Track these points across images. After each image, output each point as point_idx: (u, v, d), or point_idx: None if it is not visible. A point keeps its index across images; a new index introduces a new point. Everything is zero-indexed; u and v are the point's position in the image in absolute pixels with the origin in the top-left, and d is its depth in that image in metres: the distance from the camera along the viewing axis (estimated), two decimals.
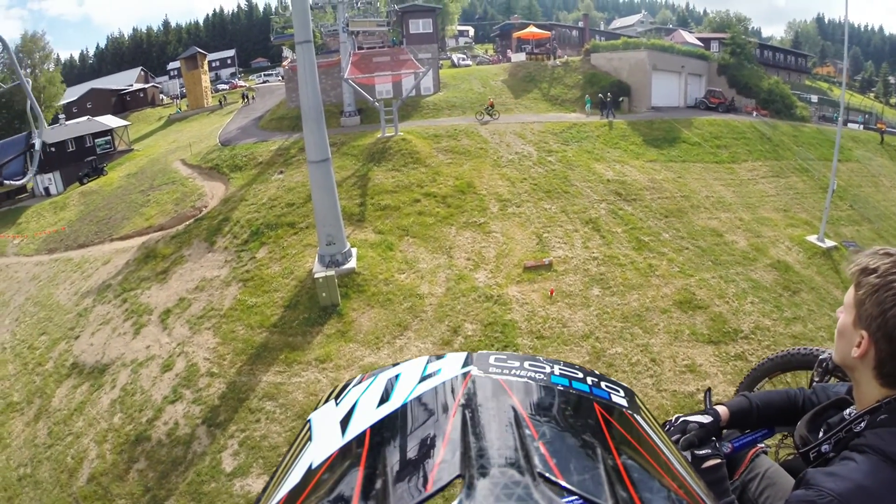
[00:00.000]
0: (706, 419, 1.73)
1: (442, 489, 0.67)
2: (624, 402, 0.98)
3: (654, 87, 37.83)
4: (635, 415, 0.96)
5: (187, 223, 26.04)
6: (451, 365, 0.99)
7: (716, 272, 20.19)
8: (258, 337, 18.09)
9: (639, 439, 0.88)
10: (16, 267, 29.73)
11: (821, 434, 1.48)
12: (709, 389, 2.16)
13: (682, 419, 1.74)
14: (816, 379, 2.17)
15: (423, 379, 0.95)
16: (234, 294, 20.22)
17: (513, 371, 0.96)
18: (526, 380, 0.94)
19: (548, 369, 1.00)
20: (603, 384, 1.01)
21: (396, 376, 0.99)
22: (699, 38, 55.05)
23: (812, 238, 23.17)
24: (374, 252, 20.43)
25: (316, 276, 17.70)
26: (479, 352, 1.03)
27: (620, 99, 36.72)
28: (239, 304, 19.58)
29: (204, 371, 17.89)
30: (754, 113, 37.07)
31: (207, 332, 19.15)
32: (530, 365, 1.00)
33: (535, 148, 28.47)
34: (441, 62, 45.04)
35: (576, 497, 0.70)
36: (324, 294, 17.64)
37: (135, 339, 20.16)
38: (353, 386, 1.03)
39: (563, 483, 0.67)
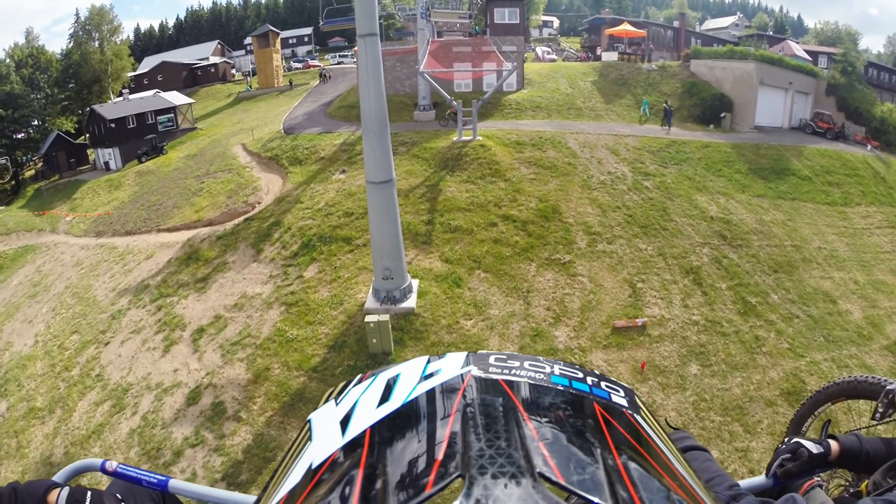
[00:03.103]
0: (817, 450, 1.65)
1: (442, 489, 0.66)
2: (624, 402, 0.94)
3: (759, 104, 33.30)
4: (635, 415, 0.93)
5: (236, 222, 23.68)
6: (452, 365, 0.96)
7: (828, 353, 17.11)
8: (294, 381, 15.38)
9: (639, 439, 0.86)
10: (63, 247, 28.46)
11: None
12: (829, 421, 2.16)
13: (796, 440, 1.69)
14: (881, 410, 2.16)
15: (423, 379, 0.93)
16: (275, 320, 17.59)
17: (513, 371, 0.94)
18: (526, 380, 0.92)
19: (548, 369, 0.97)
20: (603, 384, 0.98)
21: (396, 376, 0.96)
22: (806, 51, 48.76)
23: None
24: (438, 287, 17.31)
25: (367, 319, 14.70)
26: (479, 352, 1.01)
27: (722, 115, 32.48)
28: (278, 335, 16.92)
29: (231, 413, 15.46)
30: (868, 146, 31.86)
31: (240, 364, 16.63)
32: (530, 365, 0.97)
33: (629, 168, 24.64)
34: (525, 55, 41.14)
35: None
36: (374, 340, 14.69)
37: (163, 358, 18.07)
38: (353, 386, 1.00)
39: (563, 483, 0.66)
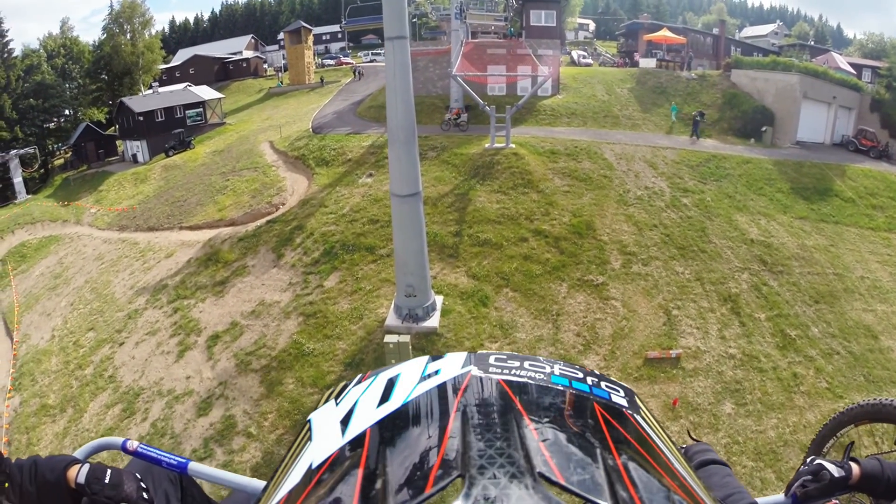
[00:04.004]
0: (839, 472, 1.62)
1: (442, 489, 0.66)
2: (624, 402, 0.95)
3: (802, 118, 31.63)
4: (635, 415, 0.93)
5: (259, 223, 23.10)
6: (452, 365, 0.96)
7: (867, 393, 15.92)
8: (308, 398, 14.69)
9: (639, 439, 0.86)
10: (86, 240, 28.33)
11: None
12: (851, 443, 2.08)
13: (818, 461, 1.67)
14: None
15: (423, 379, 0.93)
16: (292, 331, 16.91)
17: (513, 371, 0.94)
18: (526, 380, 0.91)
19: (548, 369, 0.97)
20: (603, 384, 0.98)
21: (396, 376, 0.97)
22: (850, 64, 46.63)
23: None
24: (463, 306, 16.42)
25: (387, 339, 13.88)
26: (479, 352, 1.00)
27: (763, 129, 31.00)
28: (294, 347, 16.24)
29: (241, 428, 14.89)
30: None
31: (254, 375, 16.00)
32: (530, 365, 0.97)
33: (667, 183, 23.46)
34: (560, 58, 39.96)
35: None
36: (393, 361, 13.84)
37: (177, 363, 17.64)
38: (353, 386, 1.01)
39: (563, 483, 0.66)
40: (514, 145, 24.77)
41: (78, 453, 1.59)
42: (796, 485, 1.66)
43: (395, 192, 14.20)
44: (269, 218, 23.26)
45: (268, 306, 18.15)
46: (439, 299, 16.23)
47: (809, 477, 1.64)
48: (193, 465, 1.57)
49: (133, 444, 1.59)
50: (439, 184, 22.69)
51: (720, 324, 16.98)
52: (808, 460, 1.72)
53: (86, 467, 1.41)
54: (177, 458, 1.57)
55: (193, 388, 16.48)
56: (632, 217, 20.84)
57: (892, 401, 2.30)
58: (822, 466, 1.63)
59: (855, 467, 1.65)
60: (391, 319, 15.48)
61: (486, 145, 25.00)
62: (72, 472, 1.41)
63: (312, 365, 15.49)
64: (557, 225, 19.95)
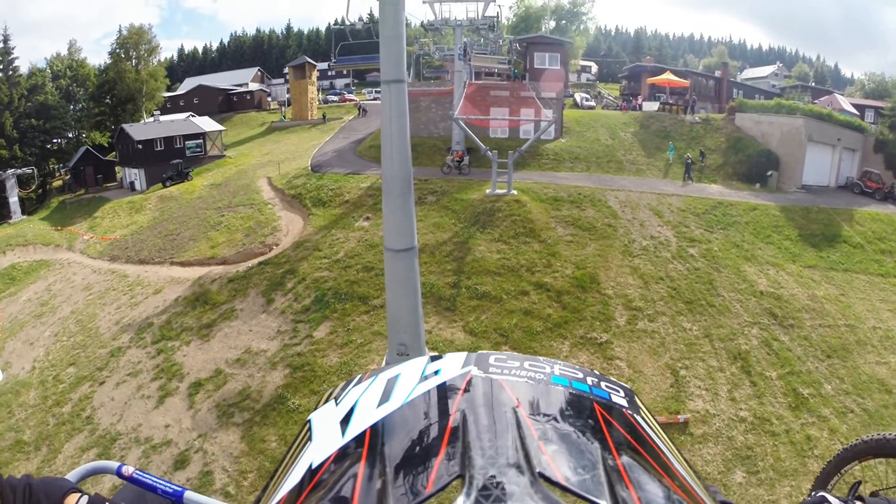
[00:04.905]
0: None
1: (442, 489, 0.66)
2: (624, 402, 0.93)
3: (807, 161, 31.26)
4: (635, 415, 0.91)
5: (250, 264, 22.42)
6: (451, 365, 0.95)
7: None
8: None
9: (639, 439, 0.85)
10: (76, 268, 27.79)
11: None
12: (858, 482, 2.08)
13: (821, 494, 1.56)
14: None
15: (422, 379, 0.92)
16: (277, 383, 16.09)
17: (513, 371, 0.92)
18: (526, 380, 0.91)
19: (548, 369, 0.95)
20: (603, 384, 0.96)
21: (396, 376, 0.95)
22: (852, 104, 46.66)
23: None
24: None
25: None
26: (479, 352, 0.99)
27: (769, 173, 30.61)
28: (279, 402, 15.41)
29: (219, 486, 14.07)
30: None
31: (235, 430, 15.15)
32: (530, 365, 0.95)
33: (673, 232, 22.85)
34: (564, 101, 39.83)
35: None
36: None
37: (156, 410, 16.90)
38: (353, 386, 0.98)
39: (563, 483, 0.66)
40: (515, 192, 24.25)
41: (71, 476, 1.47)
42: None
43: (388, 246, 13.46)
44: (261, 259, 22.61)
45: (254, 355, 17.36)
46: None
47: None
48: (189, 494, 1.48)
49: (129, 470, 1.52)
50: (438, 230, 22.08)
51: (730, 384, 16.19)
52: (812, 493, 1.67)
53: (85, 498, 1.32)
54: (172, 486, 1.49)
55: (172, 439, 15.72)
56: (637, 269, 20.17)
57: None
58: (825, 499, 1.56)
59: None
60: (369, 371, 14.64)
61: (488, 191, 24.46)
62: (70, 501, 1.31)
63: (296, 422, 14.63)
64: (560, 277, 19.26)
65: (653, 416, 0.97)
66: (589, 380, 0.95)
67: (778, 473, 14.10)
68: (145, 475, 1.52)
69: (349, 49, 34.54)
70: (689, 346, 17.38)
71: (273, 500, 0.79)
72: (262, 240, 24.38)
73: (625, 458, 0.74)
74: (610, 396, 0.92)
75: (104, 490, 14.00)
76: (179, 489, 1.51)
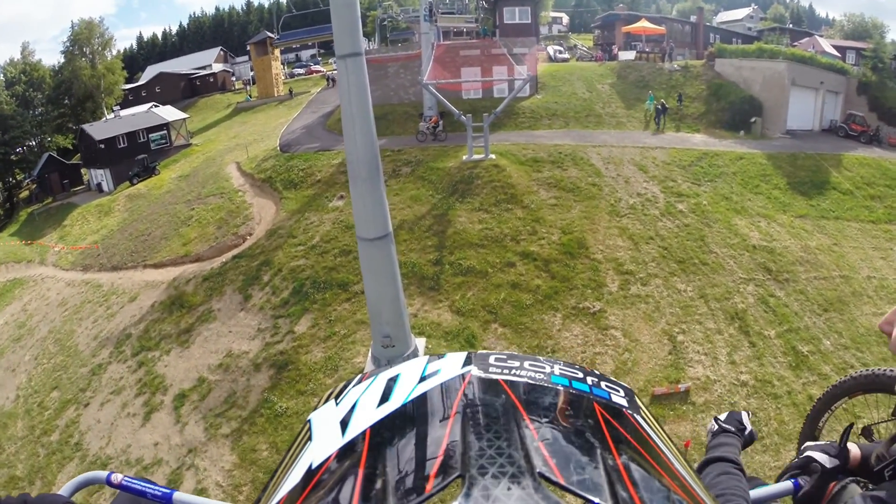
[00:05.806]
0: (831, 462, 1.54)
1: (442, 489, 0.66)
2: (624, 402, 0.94)
3: (790, 106, 30.45)
4: (635, 415, 0.92)
5: (224, 259, 21.52)
6: (451, 365, 0.96)
7: (887, 409, 14.13)
8: None
9: (639, 439, 0.86)
10: (50, 283, 26.70)
11: None
12: (851, 424, 1.84)
13: (808, 455, 1.58)
14: None
15: (422, 379, 0.92)
16: (263, 386, 15.40)
17: (513, 371, 0.93)
18: (526, 380, 0.91)
19: (548, 369, 0.96)
20: (603, 384, 0.97)
21: (396, 376, 0.96)
22: (834, 46, 45.57)
23: None
24: (448, 349, 14.93)
25: None
26: (479, 352, 1.00)
27: (753, 120, 29.77)
28: (265, 407, 14.74)
29: None
30: None
31: (225, 441, 14.51)
32: (530, 365, 0.96)
33: (660, 188, 22.05)
34: (537, 56, 38.38)
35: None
36: None
37: (143, 428, 16.31)
38: (353, 386, 1.00)
39: (563, 483, 0.67)
40: (493, 156, 23.26)
41: (64, 490, 1.47)
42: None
43: (361, 235, 12.58)
44: (235, 252, 21.67)
45: (236, 357, 16.61)
46: (421, 343, 14.72)
47: (798, 472, 1.54)
48: (178, 495, 1.48)
49: (118, 477, 1.53)
50: (416, 204, 21.17)
51: (729, 346, 15.62)
52: (802, 448, 1.62)
53: None
54: (161, 489, 1.49)
55: (162, 457, 15.11)
56: (626, 229, 19.42)
57: (885, 370, 2.24)
58: (811, 459, 1.54)
59: (855, 451, 1.56)
60: (369, 369, 13.98)
61: (465, 157, 23.46)
62: None
63: (287, 427, 13.99)
64: (546, 245, 18.48)
65: (653, 414, 0.96)
66: (589, 379, 0.95)
67: (783, 438, 13.63)
68: (134, 481, 1.53)
69: (300, 22, 32.76)
70: (685, 309, 16.77)
71: (273, 500, 0.77)
72: (234, 231, 23.39)
73: (625, 458, 0.74)
74: (610, 396, 0.92)
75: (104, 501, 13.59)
76: (168, 491, 1.50)
